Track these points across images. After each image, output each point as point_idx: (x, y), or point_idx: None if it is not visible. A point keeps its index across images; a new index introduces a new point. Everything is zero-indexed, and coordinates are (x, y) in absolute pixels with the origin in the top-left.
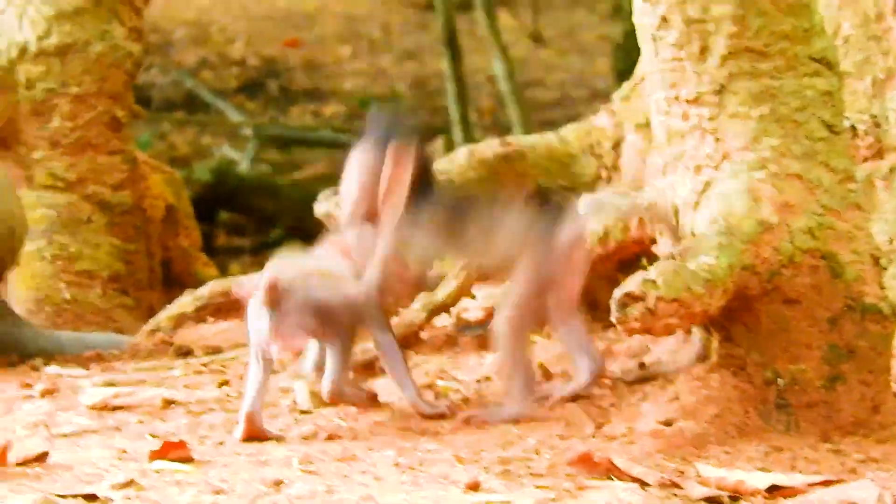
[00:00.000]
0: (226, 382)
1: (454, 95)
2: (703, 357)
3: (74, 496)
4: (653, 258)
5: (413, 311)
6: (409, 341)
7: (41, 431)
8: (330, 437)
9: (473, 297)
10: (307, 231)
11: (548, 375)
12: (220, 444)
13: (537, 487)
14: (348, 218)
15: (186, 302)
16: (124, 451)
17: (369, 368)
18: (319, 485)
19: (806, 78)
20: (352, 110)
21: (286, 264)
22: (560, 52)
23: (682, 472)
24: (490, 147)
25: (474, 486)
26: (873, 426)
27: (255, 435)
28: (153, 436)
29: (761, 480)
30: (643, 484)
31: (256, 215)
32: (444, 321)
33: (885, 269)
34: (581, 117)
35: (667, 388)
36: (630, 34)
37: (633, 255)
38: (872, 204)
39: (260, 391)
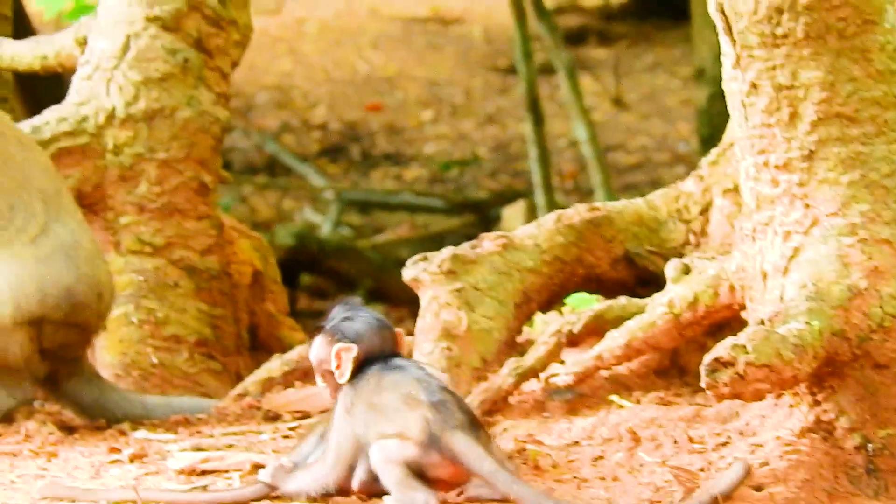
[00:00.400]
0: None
1: (536, 159)
2: None
3: None
4: (742, 324)
5: (501, 376)
6: (498, 406)
7: (130, 496)
8: None
9: (562, 362)
10: (388, 294)
11: (636, 439)
12: None
13: None
14: None
15: (274, 366)
16: None
17: None
18: None
19: None
20: (433, 174)
21: None
22: (642, 116)
23: None
24: (577, 212)
25: None
26: None
27: None
28: None
29: None
30: None
31: (338, 278)
32: (532, 386)
33: None
34: (663, 181)
35: (756, 452)
36: (714, 98)
37: (722, 321)
38: None
39: None
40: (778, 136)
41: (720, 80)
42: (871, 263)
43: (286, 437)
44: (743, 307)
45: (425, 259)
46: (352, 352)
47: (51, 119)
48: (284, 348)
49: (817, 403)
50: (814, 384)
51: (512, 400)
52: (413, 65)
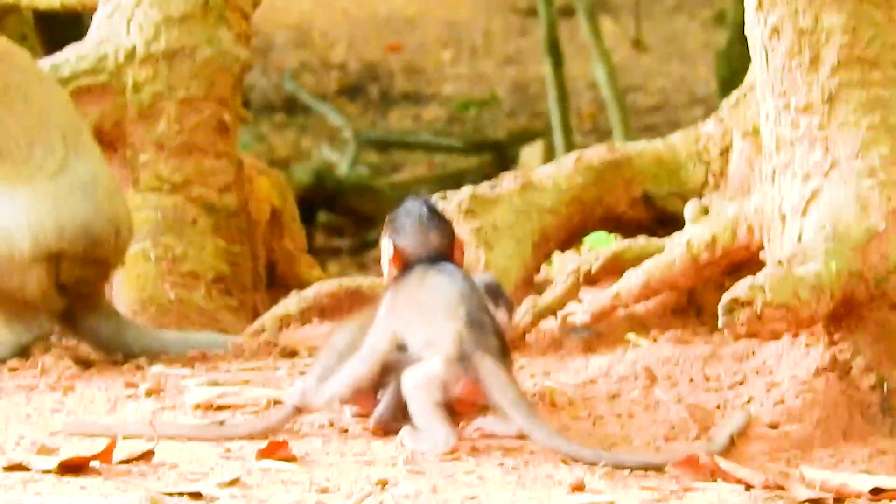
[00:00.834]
0: None
1: (555, 100)
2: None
3: (180, 494)
4: (760, 264)
5: (519, 314)
6: (515, 344)
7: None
8: None
9: (580, 300)
10: None
11: (652, 378)
12: (326, 443)
13: (642, 489)
14: None
15: (291, 303)
16: (229, 450)
17: None
18: (424, 484)
19: None
20: (452, 114)
21: None
22: (661, 58)
23: (787, 475)
24: (597, 152)
25: (579, 487)
26: None
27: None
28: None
29: (865, 483)
30: (748, 486)
31: (355, 217)
32: (550, 324)
33: None
34: (681, 123)
35: (772, 390)
36: (733, 41)
37: (740, 261)
38: None
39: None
40: (799, 79)
41: (740, 22)
42: (890, 205)
43: (302, 373)
44: (761, 248)
45: (444, 198)
46: (397, 250)
47: (70, 57)
48: (302, 285)
49: (833, 343)
50: (830, 324)
51: (529, 338)
52: (433, 5)
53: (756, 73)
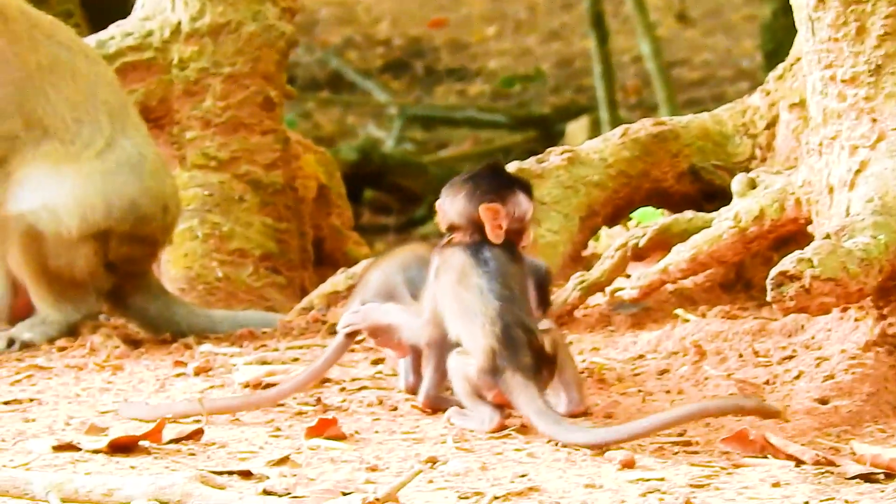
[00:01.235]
0: (380, 360)
1: (600, 74)
2: None
3: (229, 473)
4: (808, 238)
5: (567, 290)
6: (563, 320)
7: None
8: None
9: (628, 276)
10: None
11: (701, 353)
12: (375, 421)
13: (692, 465)
14: None
15: (339, 280)
16: (279, 429)
17: None
18: (474, 462)
19: None
20: (497, 89)
21: None
22: (706, 32)
23: (837, 450)
24: (644, 126)
25: (629, 464)
26: None
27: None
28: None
29: None
30: (798, 461)
31: (401, 194)
32: (598, 300)
33: None
34: (726, 96)
35: (822, 365)
36: (778, 14)
37: (787, 235)
38: None
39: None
40: (845, 50)
41: None
42: None
43: (351, 350)
44: (809, 221)
45: None
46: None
47: (116, 34)
48: (349, 262)
49: (883, 317)
50: (879, 297)
51: (577, 314)
52: None
53: (802, 44)
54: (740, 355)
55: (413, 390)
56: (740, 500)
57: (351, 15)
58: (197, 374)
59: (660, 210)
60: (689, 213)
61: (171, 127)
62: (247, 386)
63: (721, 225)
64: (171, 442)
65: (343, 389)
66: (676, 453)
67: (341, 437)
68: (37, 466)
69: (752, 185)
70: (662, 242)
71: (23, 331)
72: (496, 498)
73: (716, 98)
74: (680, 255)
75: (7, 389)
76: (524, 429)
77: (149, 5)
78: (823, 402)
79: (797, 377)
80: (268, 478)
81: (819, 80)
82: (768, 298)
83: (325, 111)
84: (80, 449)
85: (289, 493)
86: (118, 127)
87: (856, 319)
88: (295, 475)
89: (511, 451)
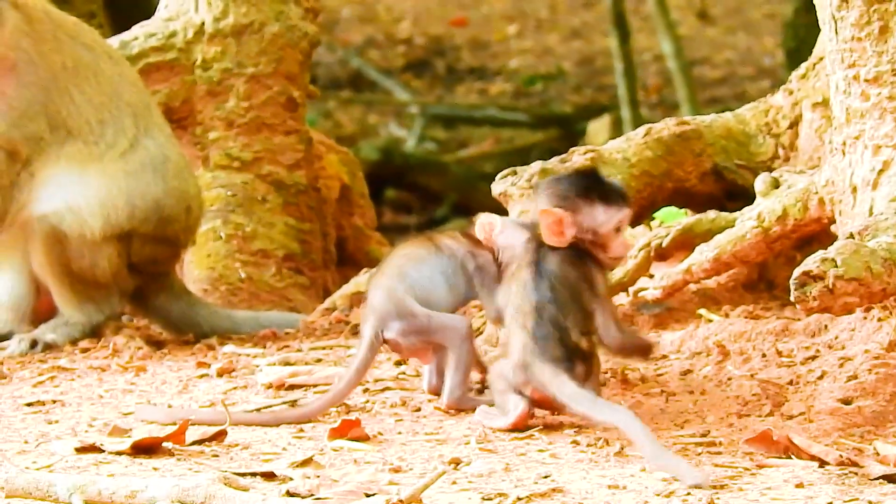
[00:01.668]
0: (403, 361)
1: (622, 73)
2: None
3: (252, 474)
4: (831, 237)
5: None
6: None
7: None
8: None
9: (651, 276)
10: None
11: (725, 353)
12: (398, 422)
13: (715, 465)
14: None
15: (362, 280)
16: (302, 430)
17: None
18: (497, 463)
19: None
20: (518, 88)
21: None
22: (727, 30)
23: (861, 451)
24: (667, 126)
25: None
26: None
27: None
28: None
29: None
30: (822, 462)
31: (422, 193)
32: (621, 299)
33: None
34: (747, 95)
35: (845, 365)
36: (800, 12)
37: (811, 234)
38: None
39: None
40: (868, 49)
41: None
42: None
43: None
44: (832, 221)
45: (514, 173)
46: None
47: (139, 34)
48: (372, 262)
49: None
50: None
51: None
52: None
53: (825, 43)
54: (764, 355)
55: (436, 391)
56: (763, 500)
57: (372, 14)
58: (220, 374)
59: (683, 210)
60: (712, 213)
61: (194, 127)
62: (270, 387)
63: (744, 225)
64: (194, 443)
65: (366, 391)
66: (700, 454)
67: (364, 439)
68: (60, 468)
69: (776, 184)
70: (685, 242)
71: (46, 332)
72: (519, 499)
73: (737, 96)
74: (703, 255)
75: (30, 391)
76: (548, 429)
77: (172, 6)
78: (847, 402)
79: (820, 377)
80: (291, 479)
81: (842, 79)
82: (792, 298)
83: (347, 110)
84: (103, 450)
85: (312, 495)
86: (142, 127)
87: (879, 319)
88: (318, 476)
89: (534, 451)
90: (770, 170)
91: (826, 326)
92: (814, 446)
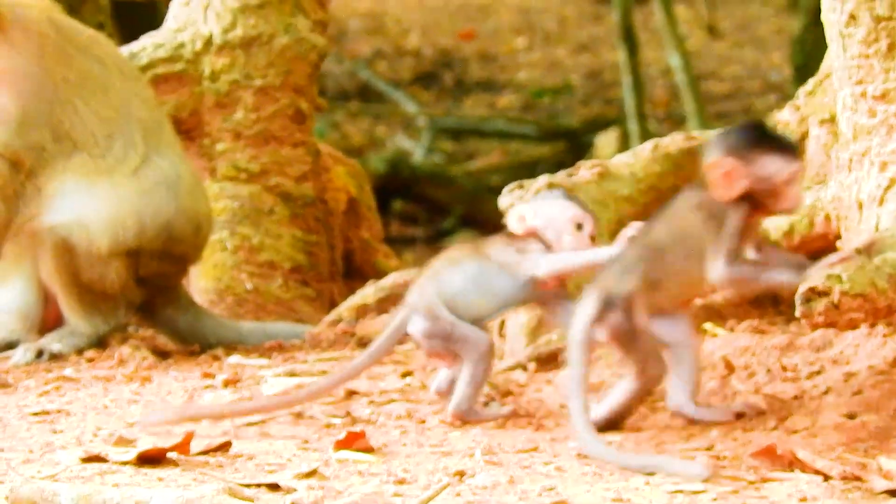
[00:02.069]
0: (409, 373)
1: (630, 87)
2: None
3: (257, 485)
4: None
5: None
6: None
7: (224, 421)
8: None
9: None
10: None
11: (730, 367)
12: (403, 434)
13: (720, 478)
14: None
15: (368, 293)
16: (307, 441)
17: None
18: (502, 475)
19: None
20: (526, 101)
21: None
22: (735, 45)
23: (865, 466)
24: (674, 140)
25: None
26: None
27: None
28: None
29: None
30: (826, 476)
31: (430, 205)
32: None
33: None
34: (755, 110)
35: (850, 380)
36: (808, 28)
37: (817, 250)
38: None
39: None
40: (876, 66)
41: (814, 8)
42: None
43: (380, 362)
44: (838, 236)
45: (521, 187)
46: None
47: (147, 45)
48: (379, 275)
49: None
50: None
51: None
52: None
53: (832, 60)
54: (768, 370)
55: (442, 396)
56: None
57: (380, 26)
58: (225, 385)
59: None
60: None
61: (202, 139)
62: None
63: None
64: (199, 454)
65: (371, 402)
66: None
67: (369, 450)
68: (64, 478)
69: None
70: None
71: (52, 342)
72: None
73: (744, 111)
74: None
75: (35, 400)
76: (553, 442)
77: (181, 17)
78: (851, 417)
79: (825, 392)
80: (296, 490)
81: (849, 95)
82: (797, 314)
83: (354, 122)
84: (108, 461)
85: None
86: (152, 144)
87: (884, 335)
88: (323, 488)
89: (539, 464)
90: None
91: (831, 342)
92: (818, 460)
